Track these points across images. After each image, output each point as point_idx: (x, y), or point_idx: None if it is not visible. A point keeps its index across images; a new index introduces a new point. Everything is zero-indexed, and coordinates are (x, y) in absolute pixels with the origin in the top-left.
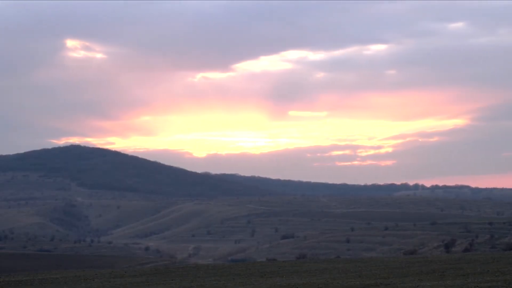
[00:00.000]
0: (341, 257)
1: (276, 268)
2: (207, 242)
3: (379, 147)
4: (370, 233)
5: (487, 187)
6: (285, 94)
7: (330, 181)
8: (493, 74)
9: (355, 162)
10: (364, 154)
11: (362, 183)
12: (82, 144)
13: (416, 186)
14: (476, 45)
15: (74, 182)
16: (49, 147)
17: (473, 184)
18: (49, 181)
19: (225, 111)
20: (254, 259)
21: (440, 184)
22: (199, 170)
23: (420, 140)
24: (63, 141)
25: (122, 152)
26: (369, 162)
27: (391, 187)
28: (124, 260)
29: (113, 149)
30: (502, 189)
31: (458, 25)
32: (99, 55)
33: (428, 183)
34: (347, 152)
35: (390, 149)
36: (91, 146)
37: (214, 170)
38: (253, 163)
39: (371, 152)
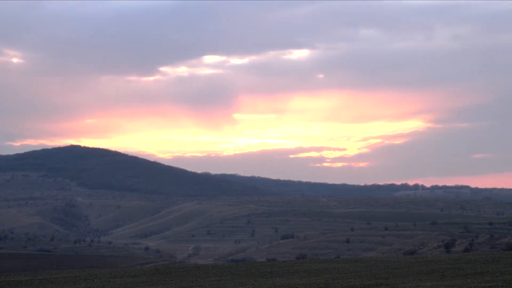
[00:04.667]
0: (341, 257)
1: (276, 268)
2: (207, 242)
3: (344, 149)
4: (370, 233)
5: (487, 187)
6: (221, 97)
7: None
8: (422, 78)
9: (326, 164)
10: (331, 156)
11: (361, 183)
12: (81, 144)
13: (416, 186)
14: (393, 50)
15: (74, 182)
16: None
17: (473, 184)
18: (49, 181)
19: (166, 115)
20: (254, 259)
21: (440, 184)
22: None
23: (386, 142)
24: (19, 143)
25: (122, 152)
26: (340, 164)
27: (391, 187)
28: (124, 260)
29: (113, 149)
30: (502, 189)
31: (371, 31)
32: (15, 60)
33: (427, 183)
34: (313, 154)
35: (357, 151)
36: (90, 146)
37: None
38: (222, 164)
39: (338, 154)
